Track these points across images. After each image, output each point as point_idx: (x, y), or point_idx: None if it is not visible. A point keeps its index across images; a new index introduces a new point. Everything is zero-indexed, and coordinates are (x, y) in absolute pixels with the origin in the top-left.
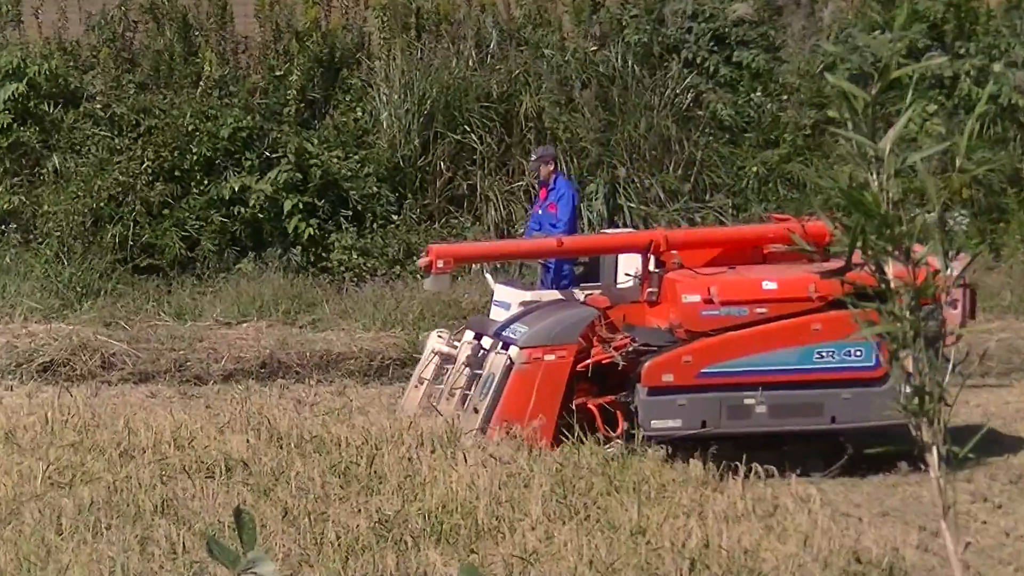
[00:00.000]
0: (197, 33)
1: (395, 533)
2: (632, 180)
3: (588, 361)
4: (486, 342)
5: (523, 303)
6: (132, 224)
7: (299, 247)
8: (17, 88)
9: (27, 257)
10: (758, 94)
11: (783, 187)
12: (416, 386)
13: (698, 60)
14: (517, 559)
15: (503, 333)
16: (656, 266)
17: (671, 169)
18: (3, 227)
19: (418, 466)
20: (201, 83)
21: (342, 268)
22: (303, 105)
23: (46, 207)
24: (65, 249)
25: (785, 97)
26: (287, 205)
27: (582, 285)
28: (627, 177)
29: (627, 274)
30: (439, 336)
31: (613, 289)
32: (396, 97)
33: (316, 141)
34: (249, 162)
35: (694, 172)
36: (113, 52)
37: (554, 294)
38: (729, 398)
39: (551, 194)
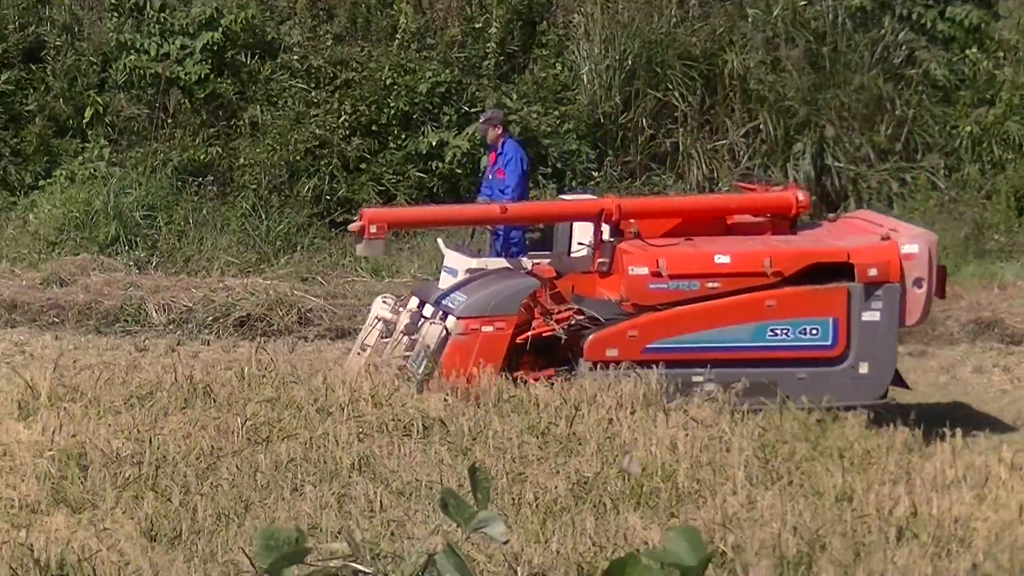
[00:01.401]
0: None
1: (594, 495)
2: (840, 140)
3: (528, 334)
4: (428, 310)
5: (469, 270)
6: (328, 178)
7: None
8: (212, 36)
9: (224, 210)
10: (973, 51)
11: (998, 147)
12: (359, 352)
13: (912, 16)
14: (718, 524)
15: (443, 302)
16: (612, 236)
17: (881, 128)
18: (200, 179)
19: (618, 428)
20: (398, 36)
21: None
22: (502, 59)
23: (242, 160)
24: (262, 203)
25: (1001, 54)
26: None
27: (530, 254)
28: (835, 136)
29: (580, 243)
30: (384, 302)
31: (564, 259)
32: (597, 52)
33: (515, 96)
34: (447, 117)
35: (905, 131)
36: (309, 2)
37: (501, 262)
38: (676, 375)
39: (499, 159)
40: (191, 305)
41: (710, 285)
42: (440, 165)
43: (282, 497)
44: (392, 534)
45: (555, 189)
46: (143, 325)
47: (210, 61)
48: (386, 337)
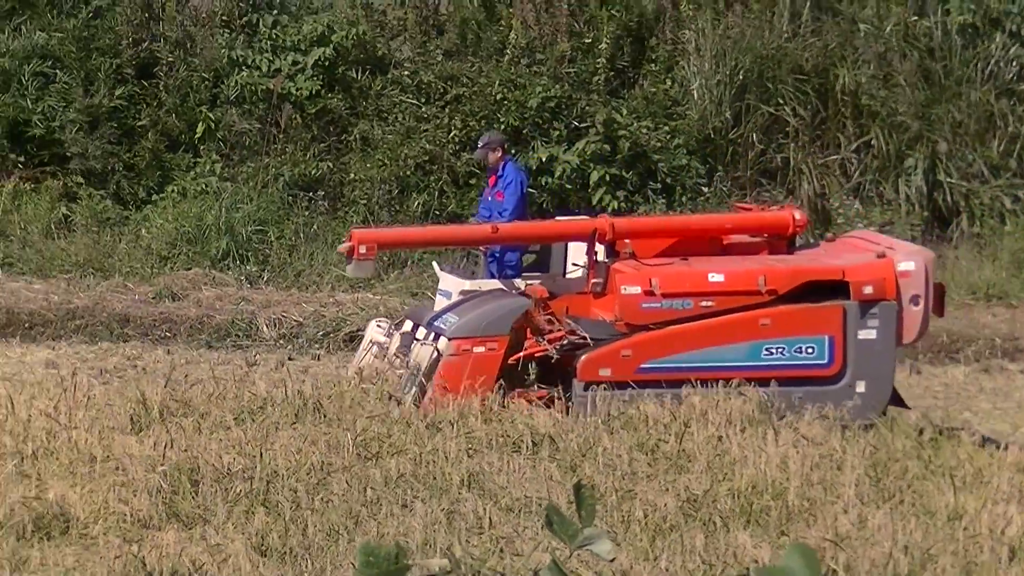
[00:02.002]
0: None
1: (703, 513)
2: (953, 155)
3: (520, 354)
4: (421, 332)
5: (463, 292)
6: (438, 193)
7: None
8: (324, 52)
9: (334, 225)
10: None
11: None
12: (354, 377)
13: (1023, 32)
14: (829, 543)
15: (435, 323)
16: (608, 256)
17: (994, 144)
18: (311, 194)
19: (728, 445)
20: (507, 51)
21: None
22: (612, 74)
23: (353, 175)
24: (372, 217)
25: None
26: (594, 176)
27: (524, 274)
28: (948, 152)
29: (574, 264)
30: (378, 325)
31: (558, 279)
32: (707, 67)
33: (625, 111)
34: (557, 132)
35: (1017, 147)
36: (419, 18)
37: (495, 283)
38: (670, 395)
39: (499, 181)
40: (302, 320)
41: (704, 304)
42: (549, 180)
43: (392, 513)
44: (501, 551)
45: (664, 204)
46: (254, 340)
47: (321, 77)
48: (381, 360)
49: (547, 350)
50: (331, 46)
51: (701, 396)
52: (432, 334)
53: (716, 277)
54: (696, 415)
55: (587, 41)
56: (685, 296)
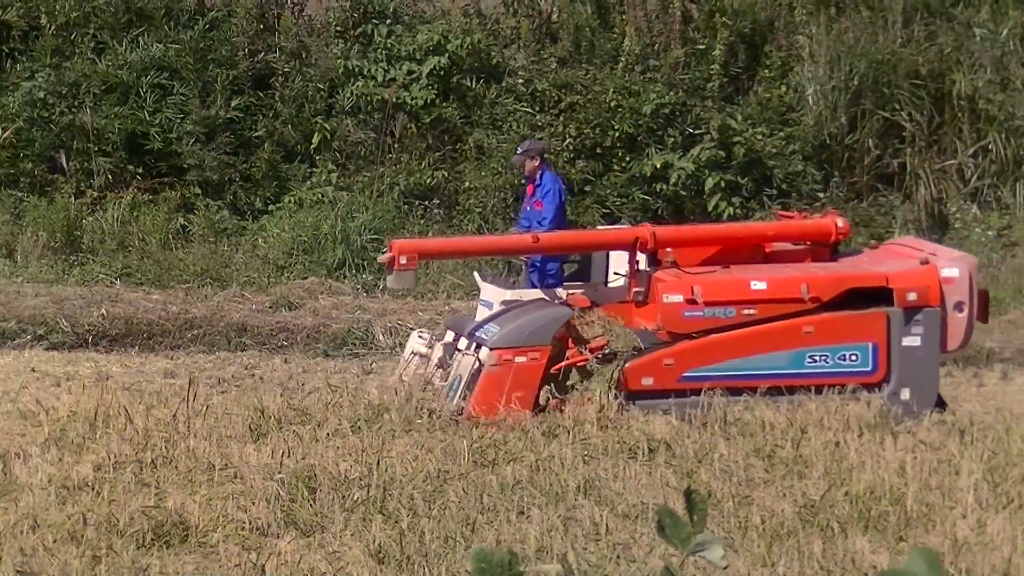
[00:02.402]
0: (614, 7)
1: (821, 519)
2: None
3: (562, 364)
4: (463, 343)
5: (504, 302)
6: None
7: None
8: (439, 61)
9: (449, 232)
10: None
11: None
12: (396, 388)
13: None
14: (948, 548)
15: (476, 333)
16: (650, 265)
17: None
18: (426, 203)
19: (845, 451)
20: (621, 58)
21: None
22: (726, 80)
23: (467, 183)
24: (487, 225)
25: None
26: (709, 183)
27: (565, 284)
28: None
29: (616, 273)
30: (419, 337)
31: (600, 289)
32: (822, 73)
33: (739, 117)
34: (671, 139)
35: None
36: (532, 27)
37: (536, 293)
38: (714, 403)
39: (537, 190)
40: (417, 328)
41: (746, 312)
42: (664, 187)
43: (508, 520)
44: (617, 557)
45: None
46: (370, 348)
47: (436, 86)
48: (422, 371)
49: (588, 359)
50: (446, 55)
51: (817, 402)
52: (474, 344)
53: (758, 285)
54: (813, 420)
55: (701, 47)
56: (727, 304)
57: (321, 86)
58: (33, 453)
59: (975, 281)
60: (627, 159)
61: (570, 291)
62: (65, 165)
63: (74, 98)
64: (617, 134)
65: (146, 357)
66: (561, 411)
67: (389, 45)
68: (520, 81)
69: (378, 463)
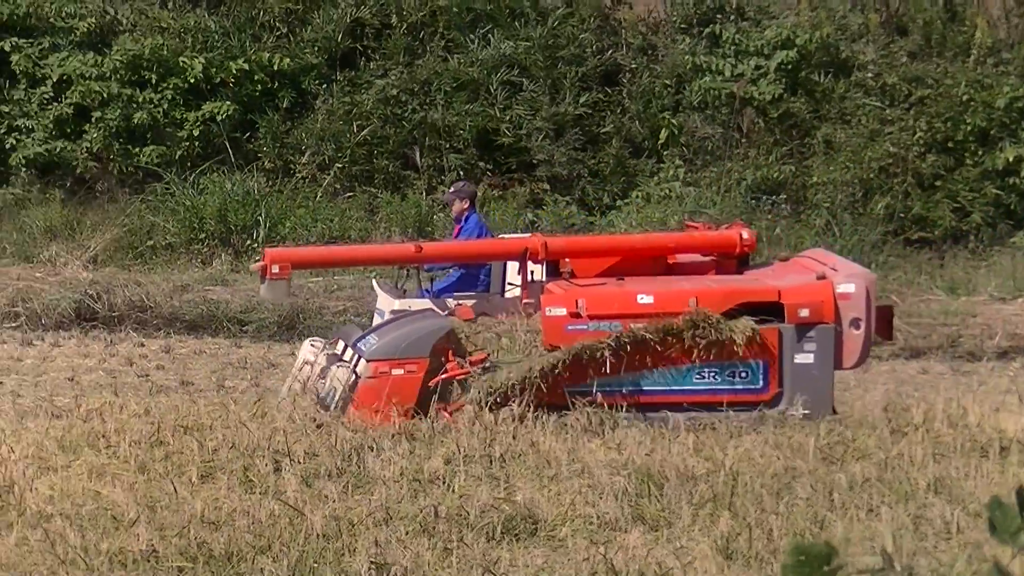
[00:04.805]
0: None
1: None
2: None
3: (440, 376)
4: (348, 353)
5: (393, 311)
6: (902, 196)
7: None
8: (787, 56)
9: (797, 228)
10: None
11: None
12: (287, 398)
13: None
14: None
15: (358, 344)
16: (549, 275)
17: None
18: (773, 198)
19: None
20: (973, 51)
21: None
22: None
23: (816, 178)
24: (835, 220)
25: None
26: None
27: (455, 294)
28: None
29: (510, 283)
30: (312, 345)
31: (493, 299)
32: None
33: None
34: None
35: None
36: (883, 20)
37: (424, 303)
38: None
39: (462, 232)
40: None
41: (633, 326)
42: (1017, 181)
43: (857, 518)
44: (969, 557)
45: None
46: None
47: (784, 80)
48: (313, 380)
49: (468, 372)
50: (794, 49)
51: None
52: (356, 355)
53: (645, 299)
54: None
55: None
56: (613, 318)
57: (668, 82)
58: (385, 447)
59: (873, 297)
60: (979, 153)
61: (459, 302)
62: (418, 161)
63: (426, 95)
64: (969, 128)
65: None
66: (449, 421)
67: (737, 40)
68: (869, 75)
69: (724, 461)
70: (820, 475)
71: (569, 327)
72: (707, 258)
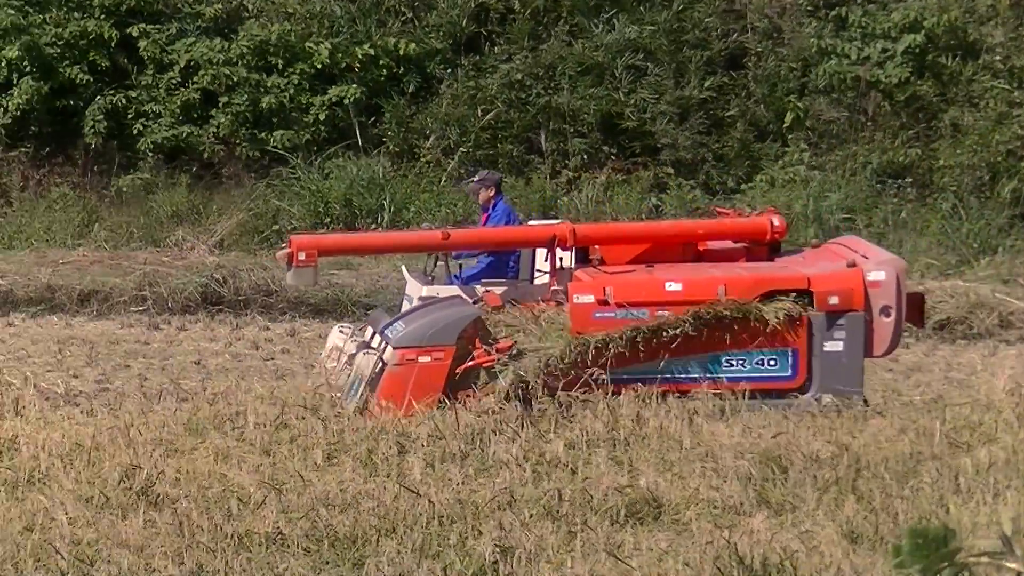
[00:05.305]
0: None
1: None
2: None
3: (467, 364)
4: (376, 340)
5: (421, 298)
6: None
7: None
8: (914, 39)
9: (923, 212)
10: None
11: None
12: (321, 385)
13: None
14: None
15: (385, 331)
16: (580, 263)
17: None
18: (899, 181)
19: None
20: None
21: None
22: None
23: (942, 161)
24: (962, 204)
25: None
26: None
27: (483, 281)
28: None
29: (538, 270)
30: (340, 331)
31: (522, 286)
32: None
33: None
34: None
35: None
36: (1013, 3)
37: (453, 289)
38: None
39: (490, 219)
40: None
41: (660, 314)
42: None
43: (984, 501)
44: None
45: None
46: None
47: (911, 63)
48: (342, 367)
49: (495, 359)
50: (922, 32)
51: None
52: (383, 342)
53: (673, 286)
54: None
55: None
56: (640, 306)
57: (794, 65)
58: (507, 431)
59: (904, 285)
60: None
61: (487, 289)
62: (543, 146)
63: (550, 80)
64: None
65: None
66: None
67: (864, 23)
68: (998, 58)
69: (848, 445)
70: (946, 459)
71: (596, 314)
72: (738, 245)
